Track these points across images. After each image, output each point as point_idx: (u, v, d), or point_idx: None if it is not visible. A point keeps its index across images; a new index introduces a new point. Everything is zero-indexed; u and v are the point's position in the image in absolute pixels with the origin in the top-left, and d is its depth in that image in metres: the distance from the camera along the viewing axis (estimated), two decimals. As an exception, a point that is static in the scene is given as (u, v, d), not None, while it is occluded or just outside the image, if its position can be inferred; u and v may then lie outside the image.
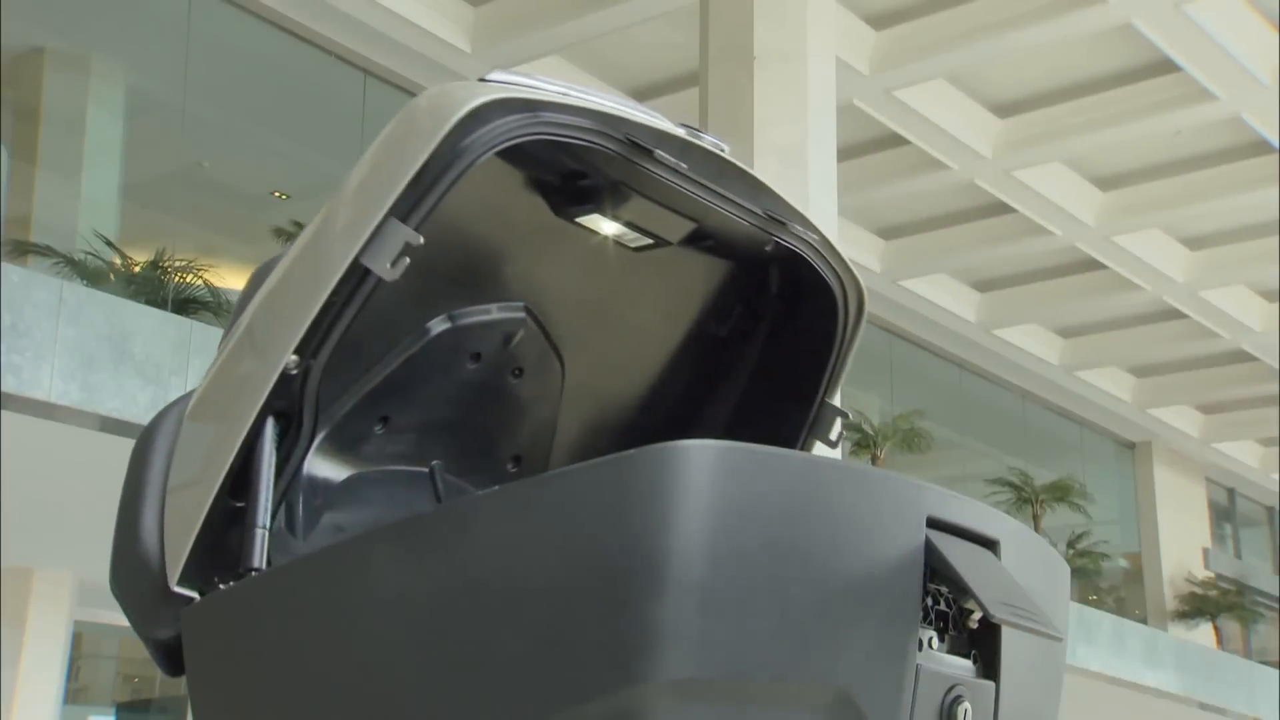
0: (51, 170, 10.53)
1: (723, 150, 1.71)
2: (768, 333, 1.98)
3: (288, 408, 1.58)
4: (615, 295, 1.94)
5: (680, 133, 1.66)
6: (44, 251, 9.33)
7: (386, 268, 1.47)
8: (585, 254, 1.83)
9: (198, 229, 11.68)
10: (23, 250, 9.45)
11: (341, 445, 1.79)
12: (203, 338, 7.44)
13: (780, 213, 1.80)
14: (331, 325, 1.53)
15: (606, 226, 1.78)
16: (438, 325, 1.81)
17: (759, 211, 1.77)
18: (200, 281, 9.98)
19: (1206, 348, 17.22)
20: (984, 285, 16.18)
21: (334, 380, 1.65)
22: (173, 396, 7.59)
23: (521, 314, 1.88)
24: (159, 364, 7.10)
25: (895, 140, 12.55)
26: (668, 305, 1.98)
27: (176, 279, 9.90)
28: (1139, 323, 16.93)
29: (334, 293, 1.50)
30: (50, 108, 10.68)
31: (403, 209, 1.48)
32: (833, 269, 1.86)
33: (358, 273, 1.50)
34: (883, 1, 11.11)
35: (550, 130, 1.53)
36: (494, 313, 1.85)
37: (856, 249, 14.41)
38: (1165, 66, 11.49)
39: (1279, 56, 11.27)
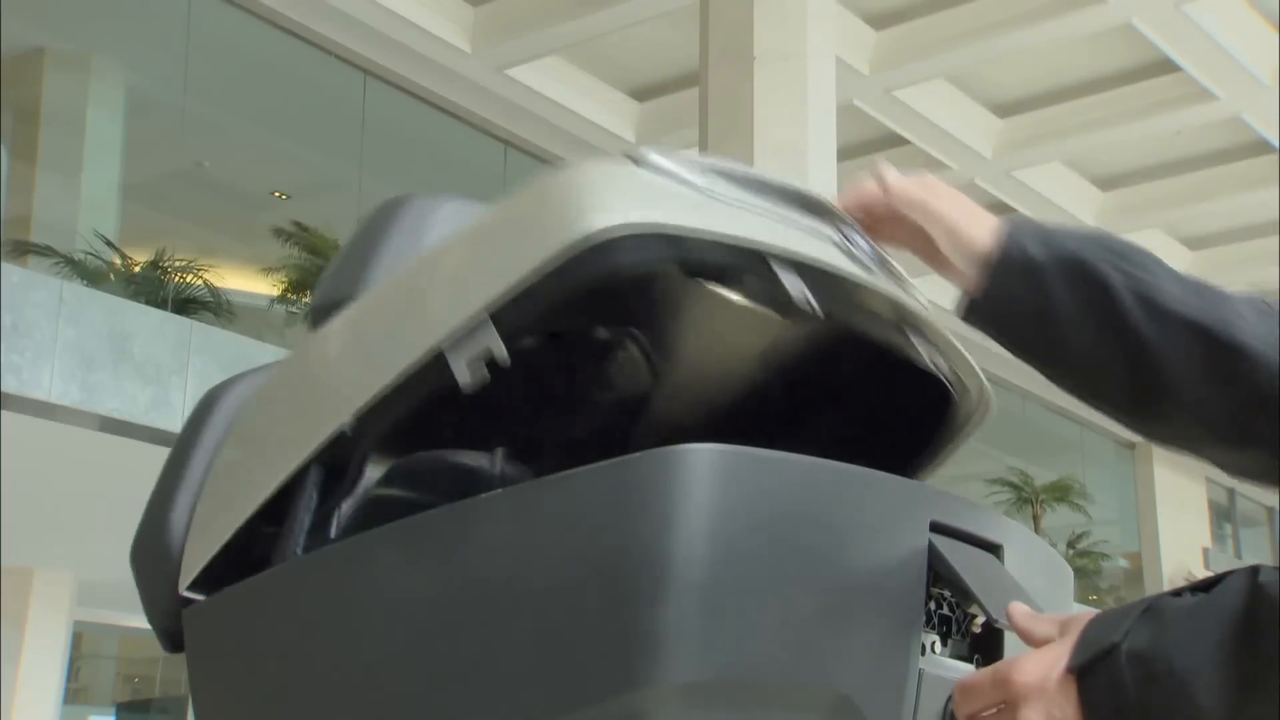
0: (51, 170, 10.54)
1: (923, 304, 1.57)
2: (867, 410, 1.80)
3: (336, 461, 1.45)
4: (720, 337, 1.81)
5: (856, 274, 1.47)
6: (44, 251, 9.34)
7: (464, 371, 1.29)
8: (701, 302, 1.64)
9: (198, 229, 11.70)
10: (23, 250, 9.46)
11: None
12: (202, 338, 7.44)
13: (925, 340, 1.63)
14: (394, 404, 1.38)
15: (733, 296, 1.58)
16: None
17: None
18: (200, 281, 10.00)
19: (1206, 348, 17.20)
20: (984, 285, 16.17)
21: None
22: (173, 397, 7.62)
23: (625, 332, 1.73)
24: (159, 364, 7.11)
25: (895, 140, 12.55)
26: (771, 359, 1.83)
27: (176, 279, 9.91)
28: (1139, 323, 16.91)
29: (406, 377, 1.33)
30: (50, 108, 10.69)
31: (500, 314, 1.30)
32: (962, 381, 1.71)
33: (436, 363, 1.32)
34: (883, 1, 11.11)
35: (691, 265, 1.36)
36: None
37: (856, 249, 14.41)
38: (1165, 66, 11.49)
39: (1279, 56, 11.27)
